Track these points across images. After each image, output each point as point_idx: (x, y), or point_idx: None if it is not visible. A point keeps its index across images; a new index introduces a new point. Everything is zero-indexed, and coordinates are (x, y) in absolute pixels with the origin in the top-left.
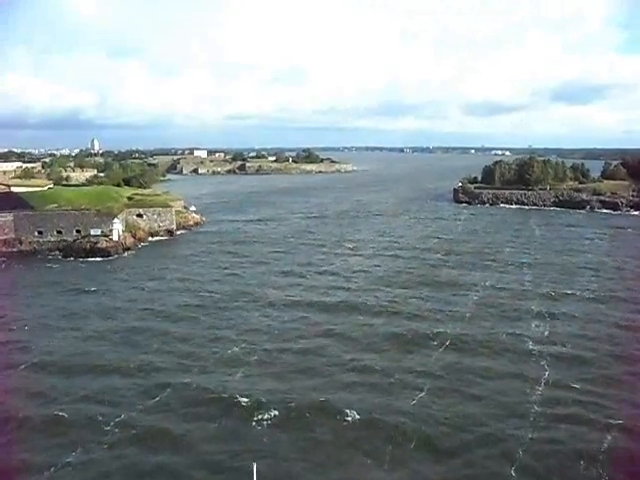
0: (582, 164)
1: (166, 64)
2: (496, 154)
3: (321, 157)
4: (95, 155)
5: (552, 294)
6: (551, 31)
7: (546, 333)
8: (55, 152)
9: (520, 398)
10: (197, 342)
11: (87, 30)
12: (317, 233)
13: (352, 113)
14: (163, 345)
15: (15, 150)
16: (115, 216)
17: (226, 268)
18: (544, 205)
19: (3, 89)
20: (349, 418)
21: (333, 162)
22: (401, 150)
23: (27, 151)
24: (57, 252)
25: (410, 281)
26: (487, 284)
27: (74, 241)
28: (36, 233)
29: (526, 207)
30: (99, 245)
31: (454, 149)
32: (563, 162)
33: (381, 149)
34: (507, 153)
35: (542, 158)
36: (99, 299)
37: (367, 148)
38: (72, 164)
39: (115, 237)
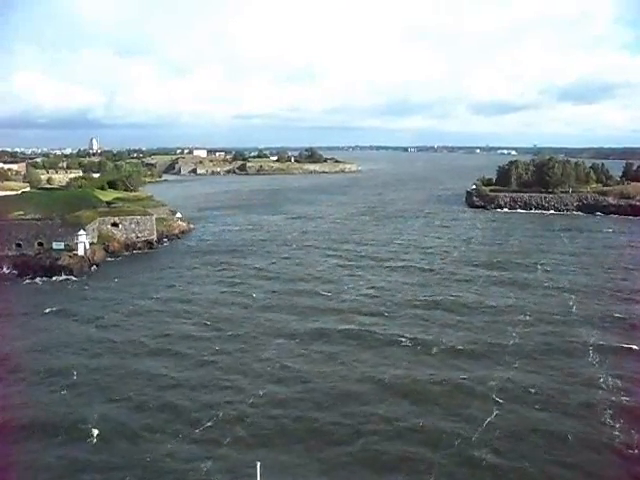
0: (602, 164)
1: (175, 63)
2: (502, 154)
3: (325, 157)
4: (93, 155)
5: (606, 321)
6: (559, 29)
7: (610, 380)
8: (58, 152)
9: None
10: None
11: (97, 28)
12: (322, 242)
13: (358, 112)
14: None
15: (16, 150)
16: (83, 226)
17: (213, 288)
18: (566, 210)
19: (12, 88)
20: None
21: (337, 162)
22: (405, 149)
23: (31, 151)
24: (13, 269)
25: (440, 303)
26: (526, 308)
27: (35, 256)
28: None
29: (547, 212)
30: (60, 261)
31: (459, 148)
32: (584, 162)
33: (386, 148)
34: (513, 152)
35: (562, 158)
36: (33, 335)
37: (372, 147)
38: (64, 164)
39: (80, 251)
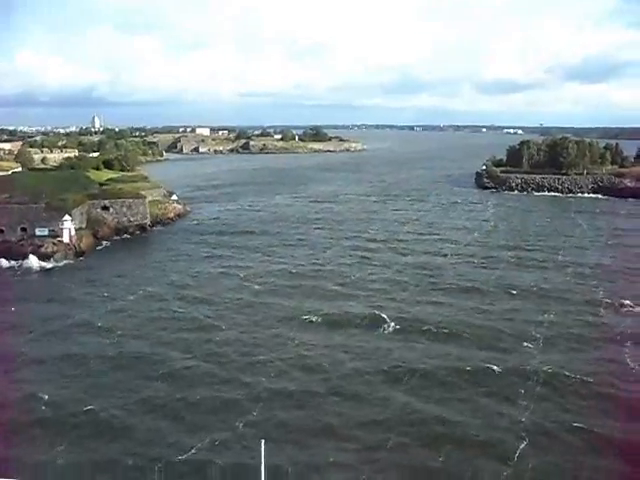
0: (616, 145)
1: (179, 40)
2: (508, 133)
3: (330, 135)
4: (95, 133)
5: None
6: (566, 6)
7: None
8: (61, 130)
9: None
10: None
11: (100, 4)
12: (331, 224)
13: (363, 90)
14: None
15: (20, 128)
16: (68, 210)
17: (212, 274)
18: (581, 192)
19: (15, 66)
20: None
21: (342, 140)
22: (411, 128)
23: (35, 129)
24: None
25: (459, 288)
26: (552, 293)
27: (17, 242)
28: None
29: (560, 195)
30: (43, 249)
31: (465, 127)
32: (597, 142)
33: (391, 127)
34: (519, 132)
35: (576, 138)
36: None
37: (377, 126)
38: (64, 143)
39: (65, 238)
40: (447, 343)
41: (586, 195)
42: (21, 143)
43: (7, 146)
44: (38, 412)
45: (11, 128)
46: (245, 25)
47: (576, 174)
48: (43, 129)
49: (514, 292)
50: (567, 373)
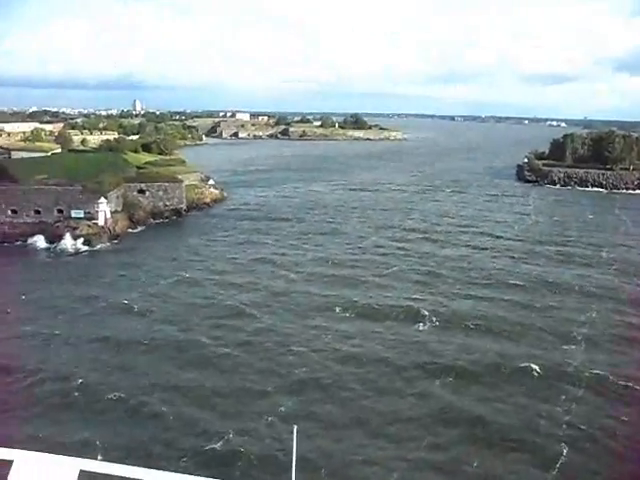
0: None
1: (219, 25)
2: (551, 125)
3: (369, 123)
4: (136, 116)
5: None
6: None
7: None
8: (103, 112)
9: None
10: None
11: None
12: (371, 213)
13: (404, 80)
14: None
15: (63, 110)
16: (104, 193)
17: (247, 261)
18: (626, 188)
19: (58, 48)
20: None
21: (382, 129)
22: (452, 118)
23: (77, 111)
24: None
25: (499, 282)
26: (595, 291)
27: (53, 224)
28: (9, 212)
29: (605, 190)
30: (78, 231)
31: (507, 119)
32: None
33: (432, 117)
34: (563, 124)
35: (622, 132)
36: None
37: (417, 115)
38: (105, 125)
39: (101, 221)
40: (486, 339)
41: (632, 191)
42: (62, 125)
43: (49, 127)
44: (70, 394)
45: (54, 109)
46: (277, 8)
47: (622, 169)
48: (85, 111)
49: (555, 289)
50: (611, 377)
